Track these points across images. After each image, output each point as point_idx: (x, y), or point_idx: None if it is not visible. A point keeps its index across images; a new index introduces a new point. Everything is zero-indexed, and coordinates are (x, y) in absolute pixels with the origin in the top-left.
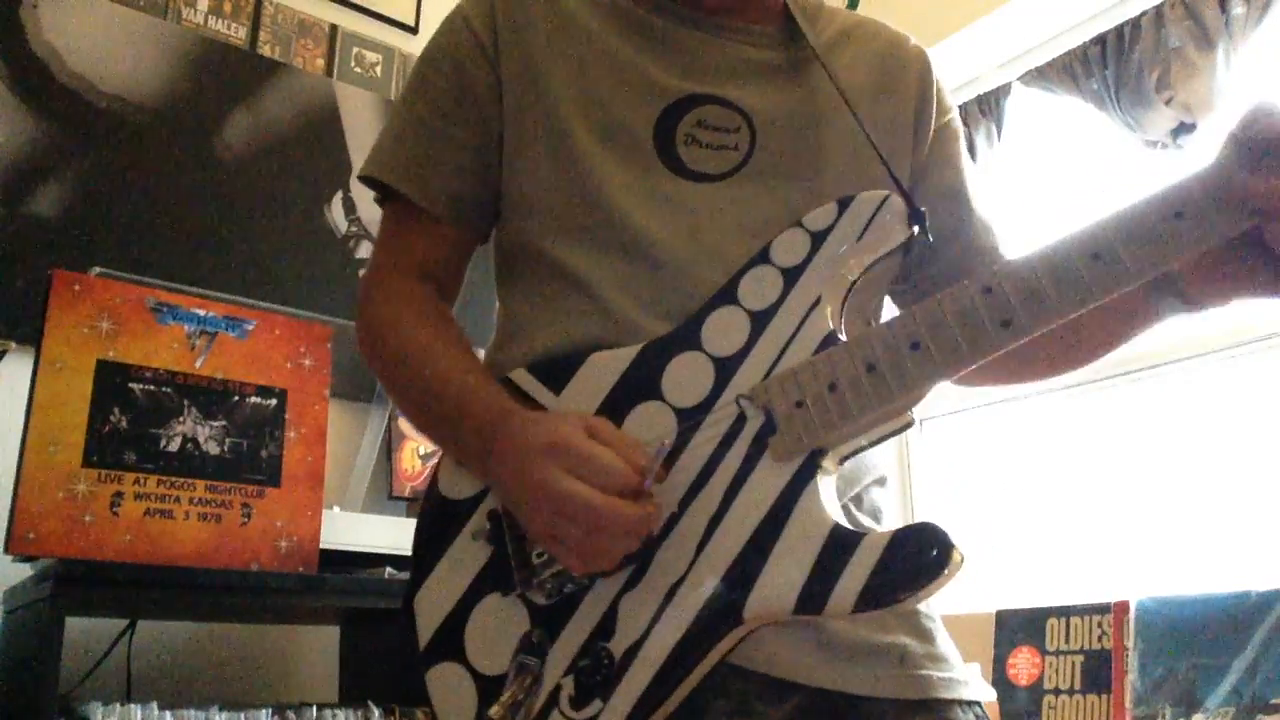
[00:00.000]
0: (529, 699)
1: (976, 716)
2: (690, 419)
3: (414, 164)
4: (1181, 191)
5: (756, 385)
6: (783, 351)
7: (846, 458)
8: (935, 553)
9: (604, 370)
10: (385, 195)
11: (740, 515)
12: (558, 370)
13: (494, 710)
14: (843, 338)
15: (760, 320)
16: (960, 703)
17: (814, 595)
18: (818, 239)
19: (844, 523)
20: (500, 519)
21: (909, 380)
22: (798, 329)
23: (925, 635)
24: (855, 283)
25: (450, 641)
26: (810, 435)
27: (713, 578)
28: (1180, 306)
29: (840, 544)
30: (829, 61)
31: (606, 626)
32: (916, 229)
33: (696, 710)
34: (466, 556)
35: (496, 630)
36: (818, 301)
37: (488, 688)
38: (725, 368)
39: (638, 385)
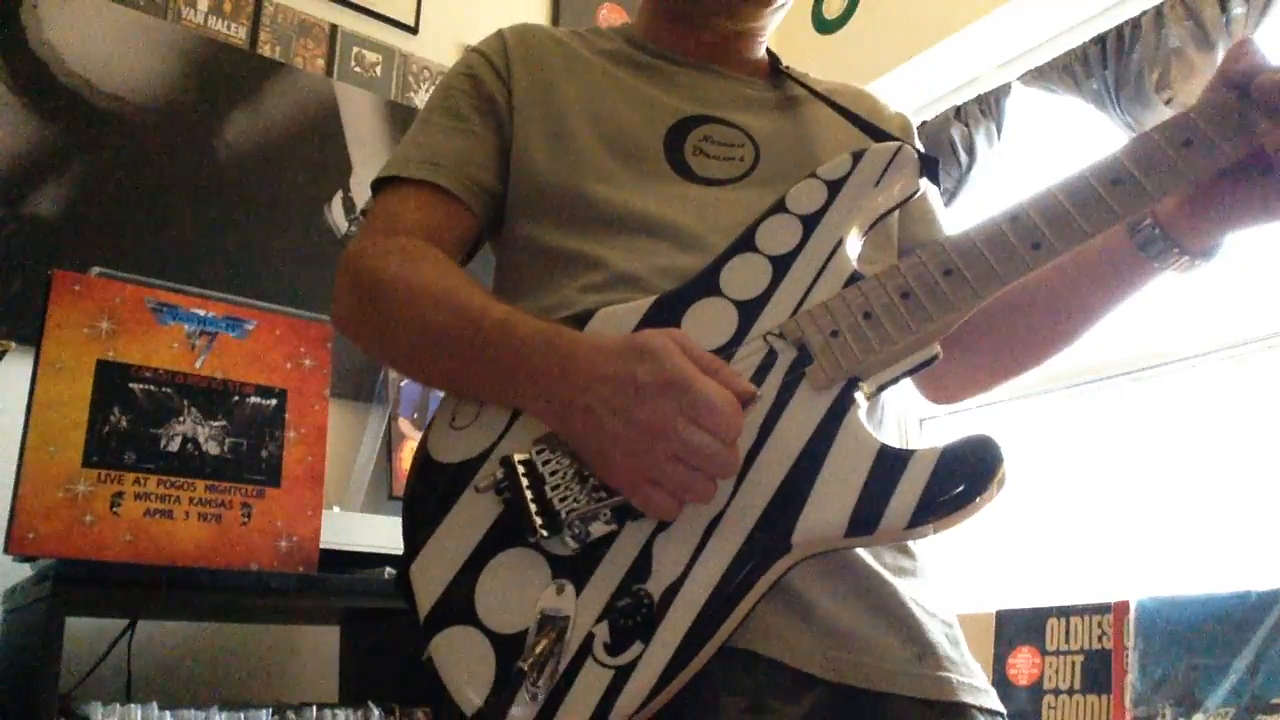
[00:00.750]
0: (558, 651)
1: None
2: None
3: (427, 156)
4: (1187, 124)
5: (786, 321)
6: (808, 291)
7: (878, 390)
8: (988, 462)
9: (615, 324)
10: (384, 190)
11: (781, 444)
12: (568, 326)
13: (523, 663)
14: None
15: (782, 264)
16: (984, 710)
17: (867, 515)
18: (834, 187)
19: (890, 443)
20: (514, 465)
21: (945, 304)
22: (821, 270)
23: (946, 639)
24: (873, 226)
25: (458, 605)
26: (849, 361)
27: (756, 508)
28: (1172, 253)
29: (890, 462)
30: (819, 100)
31: (641, 569)
32: (926, 179)
33: (710, 708)
34: (472, 515)
35: (512, 587)
36: (839, 243)
37: (507, 647)
38: (749, 310)
39: None
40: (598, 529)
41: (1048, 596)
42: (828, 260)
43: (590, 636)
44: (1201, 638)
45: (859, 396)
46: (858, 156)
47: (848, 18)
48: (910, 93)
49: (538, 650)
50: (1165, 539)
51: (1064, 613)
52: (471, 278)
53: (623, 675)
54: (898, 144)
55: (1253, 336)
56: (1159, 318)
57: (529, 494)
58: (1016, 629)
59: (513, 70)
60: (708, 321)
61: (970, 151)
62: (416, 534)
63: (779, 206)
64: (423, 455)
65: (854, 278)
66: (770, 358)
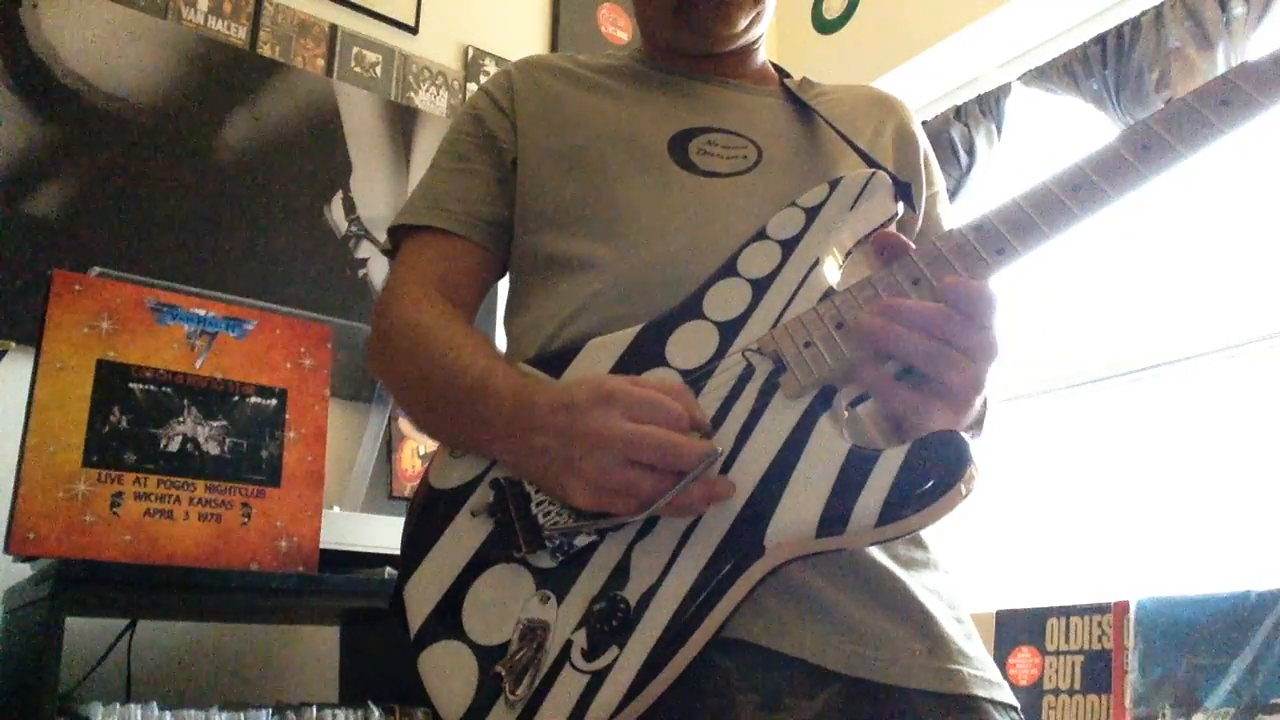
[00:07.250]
0: (537, 659)
1: None
2: (697, 377)
3: (432, 201)
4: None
5: (763, 336)
6: (785, 308)
7: (855, 402)
8: (955, 456)
9: (604, 351)
10: (401, 238)
11: (755, 452)
12: (558, 359)
13: (501, 668)
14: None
15: (761, 286)
16: (996, 704)
17: (836, 515)
18: (812, 213)
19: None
20: (503, 486)
21: None
22: (798, 288)
23: (958, 632)
24: (851, 251)
25: (447, 621)
26: (821, 369)
27: (731, 512)
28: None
29: (859, 462)
30: (824, 110)
31: (619, 577)
32: (902, 205)
33: (727, 704)
34: (463, 536)
35: (498, 601)
36: (816, 263)
37: (490, 657)
38: (729, 329)
39: (641, 357)
40: (580, 540)
41: (1048, 596)
42: (804, 280)
43: (569, 643)
44: (1201, 638)
45: (836, 404)
46: (834, 184)
47: (848, 18)
48: (910, 93)
49: (516, 657)
50: (1165, 539)
51: (1064, 613)
52: (464, 330)
53: (598, 680)
54: (872, 171)
55: (1253, 336)
56: (1158, 318)
57: (515, 511)
58: (1016, 629)
59: (517, 101)
60: (691, 342)
61: (970, 151)
62: (412, 556)
63: (760, 234)
64: (424, 484)
65: (829, 293)
66: (748, 371)
